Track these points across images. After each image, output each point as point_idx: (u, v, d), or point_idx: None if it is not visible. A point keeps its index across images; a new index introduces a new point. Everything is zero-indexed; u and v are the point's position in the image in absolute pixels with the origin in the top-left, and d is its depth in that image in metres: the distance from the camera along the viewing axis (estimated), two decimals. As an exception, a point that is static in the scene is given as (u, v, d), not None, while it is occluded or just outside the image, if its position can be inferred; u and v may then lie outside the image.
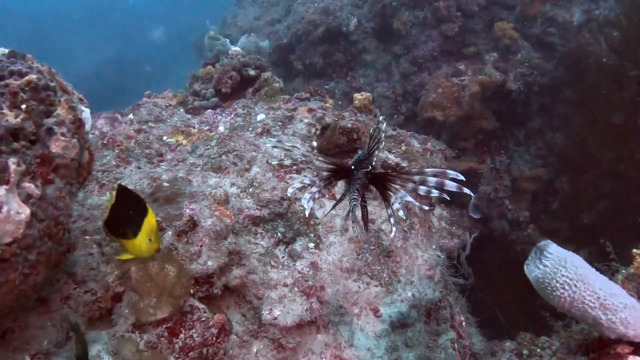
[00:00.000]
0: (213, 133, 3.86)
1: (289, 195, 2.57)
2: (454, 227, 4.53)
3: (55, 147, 1.64)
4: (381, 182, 1.94)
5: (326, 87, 7.43)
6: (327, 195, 3.36)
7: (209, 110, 4.31)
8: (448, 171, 1.74)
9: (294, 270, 3.00)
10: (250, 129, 3.90)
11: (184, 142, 3.74)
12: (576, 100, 6.46)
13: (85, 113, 1.79)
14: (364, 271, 3.39)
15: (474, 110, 6.49)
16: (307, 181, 1.96)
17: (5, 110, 1.53)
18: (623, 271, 2.14)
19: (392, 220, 1.86)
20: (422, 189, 1.78)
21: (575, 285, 1.59)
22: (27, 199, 1.55)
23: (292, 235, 3.19)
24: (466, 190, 1.73)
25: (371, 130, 2.47)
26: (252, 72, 4.64)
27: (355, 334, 3.20)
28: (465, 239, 5.14)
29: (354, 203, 1.82)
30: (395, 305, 3.41)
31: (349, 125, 3.69)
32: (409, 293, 3.55)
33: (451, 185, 1.72)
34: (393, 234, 1.85)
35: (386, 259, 3.57)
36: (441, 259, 4.13)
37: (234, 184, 3.29)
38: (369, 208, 3.54)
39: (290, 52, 7.84)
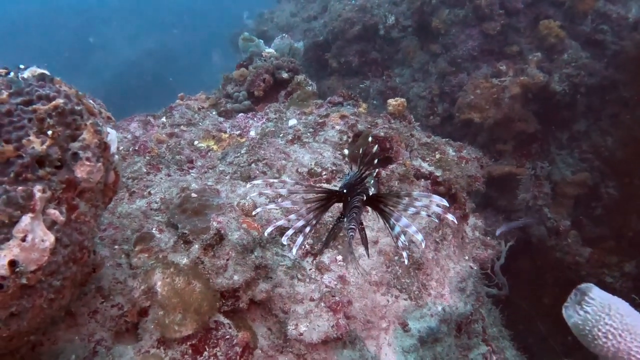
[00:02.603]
0: (244, 139, 3.84)
1: (265, 235, 2.53)
2: (489, 238, 4.36)
3: (80, 172, 1.63)
4: (375, 203, 1.93)
5: (361, 85, 7.31)
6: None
7: (240, 114, 4.29)
8: (434, 197, 1.79)
9: (321, 284, 2.94)
10: (281, 135, 3.85)
11: (215, 147, 3.73)
12: (630, 101, 6.10)
13: (112, 135, 1.78)
14: (393, 284, 3.30)
15: (513, 112, 6.23)
16: (292, 217, 1.92)
17: (32, 137, 1.53)
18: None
19: (399, 244, 1.81)
20: (411, 211, 1.83)
21: (621, 335, 1.46)
22: (52, 225, 1.55)
23: (320, 247, 3.13)
24: (450, 217, 1.77)
25: (361, 151, 2.42)
26: (285, 75, 4.58)
27: (382, 349, 3.14)
28: (500, 249, 4.96)
29: (351, 234, 1.79)
30: (425, 320, 3.33)
31: (382, 133, 3.59)
32: (439, 307, 3.46)
33: (437, 209, 1.78)
34: (406, 261, 1.82)
35: (416, 271, 3.48)
36: (474, 271, 4.00)
37: (262, 193, 3.25)
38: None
39: (326, 49, 7.75)
